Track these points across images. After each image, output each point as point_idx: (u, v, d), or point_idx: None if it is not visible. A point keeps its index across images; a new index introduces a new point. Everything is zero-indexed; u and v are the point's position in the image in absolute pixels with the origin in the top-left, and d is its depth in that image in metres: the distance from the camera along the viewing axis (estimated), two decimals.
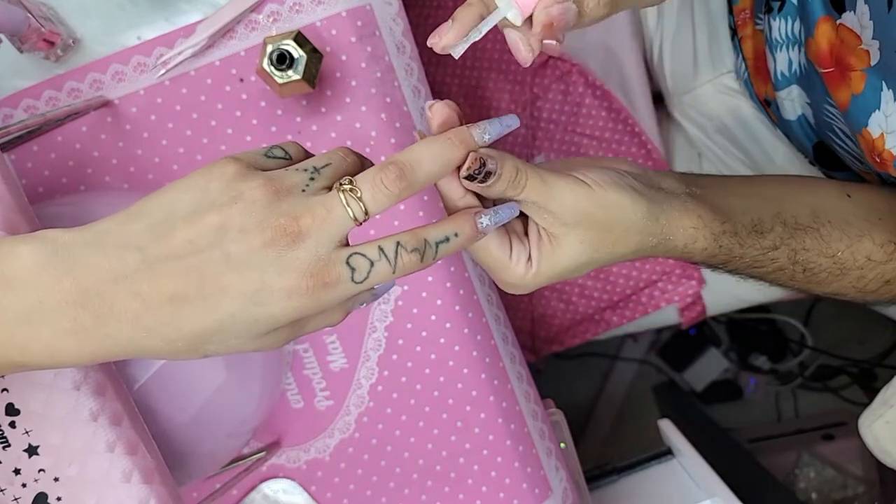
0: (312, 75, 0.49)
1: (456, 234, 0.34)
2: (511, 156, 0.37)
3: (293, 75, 0.48)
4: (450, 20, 0.37)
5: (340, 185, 0.32)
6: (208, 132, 0.56)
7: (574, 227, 0.38)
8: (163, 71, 0.53)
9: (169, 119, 0.55)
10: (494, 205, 0.37)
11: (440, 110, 0.36)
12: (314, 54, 0.49)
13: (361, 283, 0.32)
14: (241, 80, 0.55)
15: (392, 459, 0.61)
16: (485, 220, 0.35)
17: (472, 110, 0.91)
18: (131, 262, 0.30)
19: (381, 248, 0.32)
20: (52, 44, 0.53)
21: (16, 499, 0.38)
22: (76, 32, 0.55)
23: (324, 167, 0.33)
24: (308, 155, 0.36)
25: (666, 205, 0.40)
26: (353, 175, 0.34)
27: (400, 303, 0.58)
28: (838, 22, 0.49)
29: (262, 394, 0.53)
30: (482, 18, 0.37)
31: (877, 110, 0.48)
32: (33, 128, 0.51)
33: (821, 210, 0.46)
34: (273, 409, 0.60)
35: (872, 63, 0.47)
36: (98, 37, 0.55)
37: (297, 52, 0.48)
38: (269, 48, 0.48)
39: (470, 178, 0.35)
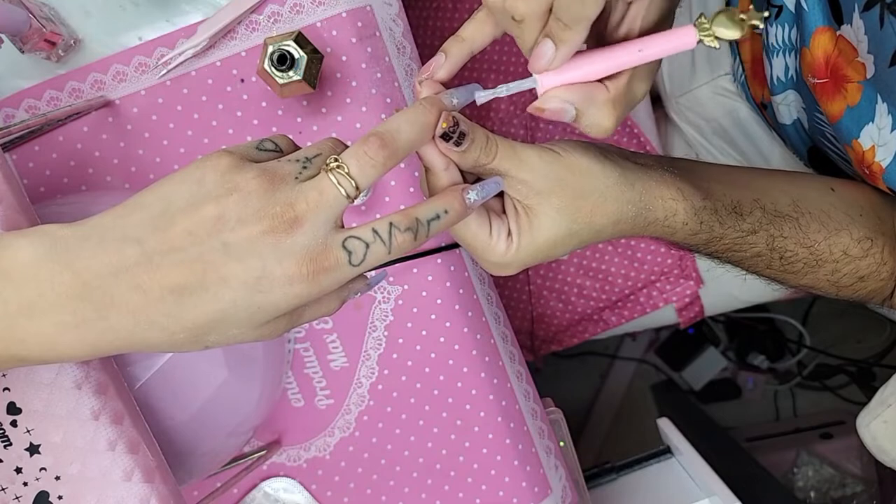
0: (313, 76, 0.49)
1: (446, 211, 0.35)
2: (480, 126, 0.38)
3: (294, 76, 0.49)
4: (440, 54, 0.39)
5: (327, 165, 0.33)
6: (209, 132, 0.56)
7: (548, 196, 0.39)
8: (164, 71, 0.54)
9: (170, 119, 0.56)
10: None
11: (429, 86, 0.39)
12: (315, 55, 0.49)
13: (359, 265, 0.32)
14: (242, 80, 0.55)
15: (392, 458, 0.61)
16: (472, 195, 0.36)
17: (472, 110, 0.92)
18: (131, 254, 0.30)
19: (375, 230, 0.33)
20: (53, 44, 0.53)
21: (17, 497, 0.38)
22: (77, 33, 0.55)
23: (315, 157, 0.34)
24: (297, 147, 0.37)
25: (641, 173, 0.41)
26: None
27: (400, 302, 0.59)
28: (838, 33, 0.50)
29: (262, 393, 0.53)
30: (471, 53, 0.39)
31: (870, 122, 0.48)
32: (35, 128, 0.51)
33: (801, 200, 0.46)
34: (274, 408, 0.60)
35: (868, 76, 0.47)
36: (99, 37, 0.55)
37: (297, 52, 0.48)
38: (270, 49, 0.48)
39: (446, 136, 0.36)
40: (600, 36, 0.38)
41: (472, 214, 0.38)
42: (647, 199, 0.40)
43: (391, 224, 0.33)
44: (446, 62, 0.39)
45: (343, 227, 0.33)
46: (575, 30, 0.34)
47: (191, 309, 0.31)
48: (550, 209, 0.39)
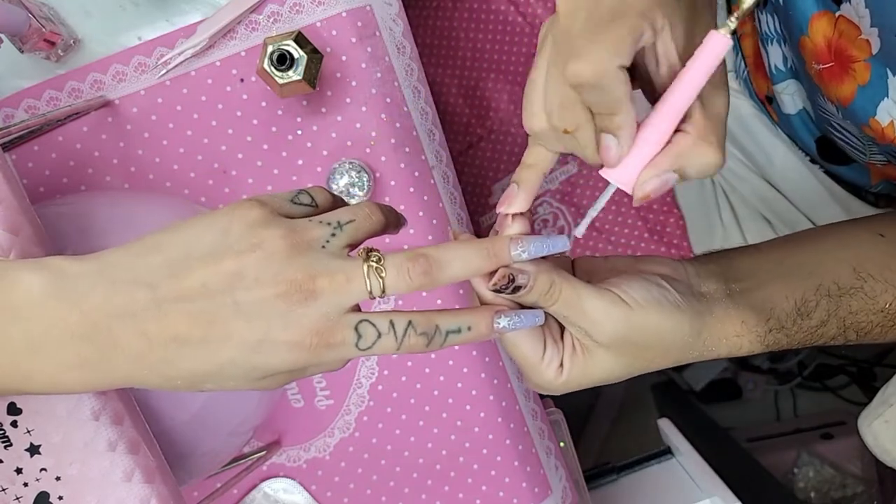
0: (313, 76, 0.49)
1: (469, 328, 0.34)
2: (549, 268, 0.36)
3: (294, 76, 0.48)
4: (513, 185, 0.38)
5: (368, 257, 0.32)
6: (209, 132, 0.56)
7: (608, 348, 0.37)
8: (163, 71, 0.54)
9: (170, 119, 0.56)
10: (522, 307, 0.37)
11: (520, 224, 0.37)
12: (314, 55, 0.49)
13: (364, 350, 0.32)
14: (242, 80, 0.55)
15: (392, 458, 0.61)
16: (503, 322, 0.35)
17: (472, 110, 0.91)
18: (141, 299, 0.30)
19: (392, 323, 0.32)
20: (52, 44, 0.53)
21: (17, 498, 0.38)
22: (77, 33, 0.55)
23: (348, 223, 0.33)
24: (335, 201, 0.36)
25: (708, 317, 0.39)
26: (376, 233, 0.34)
27: (400, 302, 0.59)
28: (838, 14, 0.49)
29: (262, 393, 0.53)
30: (543, 175, 0.38)
31: (885, 98, 0.48)
32: (34, 128, 0.51)
33: (860, 263, 0.44)
34: (273, 409, 0.60)
35: (874, 52, 0.47)
36: (99, 37, 0.55)
37: (297, 52, 0.48)
38: (270, 48, 0.48)
39: (497, 291, 0.35)
40: (648, 83, 0.37)
41: (526, 335, 0.37)
42: (711, 342, 0.39)
43: (410, 322, 0.32)
44: (521, 191, 0.38)
45: (360, 309, 0.33)
46: (620, 114, 0.33)
47: (189, 360, 0.30)
48: (609, 356, 0.37)
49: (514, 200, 0.38)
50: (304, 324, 0.31)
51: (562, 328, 0.39)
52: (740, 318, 0.40)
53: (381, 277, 0.32)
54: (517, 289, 0.35)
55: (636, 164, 0.35)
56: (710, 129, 0.35)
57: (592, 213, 0.37)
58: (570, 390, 0.39)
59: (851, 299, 0.43)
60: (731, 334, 0.40)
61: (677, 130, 0.35)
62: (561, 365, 0.38)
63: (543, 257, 0.36)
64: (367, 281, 0.32)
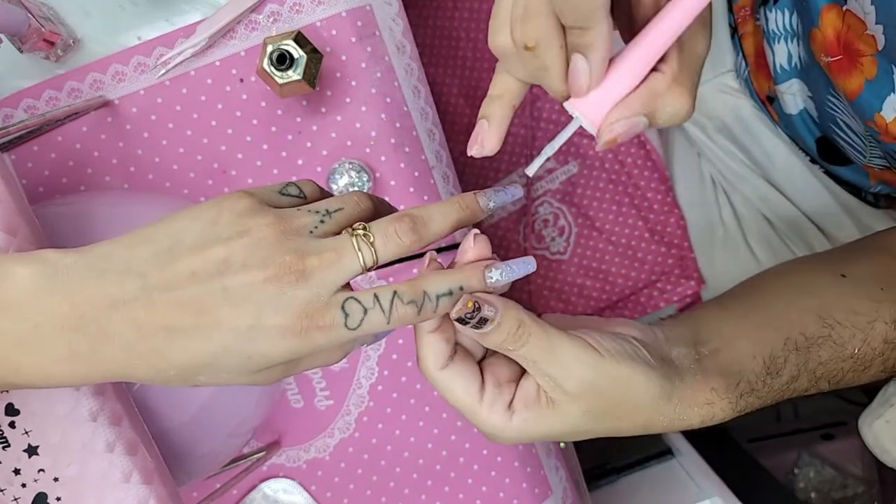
0: (312, 75, 0.49)
1: (461, 288, 0.33)
2: (517, 306, 0.34)
3: (293, 75, 0.48)
4: (482, 121, 0.35)
5: (353, 230, 0.32)
6: (208, 132, 0.56)
7: (575, 398, 0.35)
8: (163, 71, 0.53)
9: (169, 119, 0.55)
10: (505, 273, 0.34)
11: (481, 247, 0.35)
12: (314, 54, 0.49)
13: (354, 329, 0.31)
14: (242, 80, 0.55)
15: (392, 459, 0.61)
16: (495, 274, 0.33)
17: (472, 111, 0.91)
18: (131, 289, 0.30)
19: (376, 297, 0.31)
20: (52, 44, 0.53)
21: (15, 499, 0.38)
22: (76, 32, 0.55)
23: (336, 211, 0.33)
24: (323, 193, 0.36)
25: (678, 381, 0.38)
26: (365, 221, 0.34)
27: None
28: (845, 8, 0.50)
29: (261, 393, 0.53)
30: (513, 108, 0.35)
31: (891, 94, 0.48)
32: (33, 128, 0.51)
33: (825, 310, 0.43)
34: (273, 409, 0.60)
35: (880, 48, 0.47)
36: (98, 37, 0.55)
37: (297, 52, 0.48)
38: (270, 48, 0.48)
39: (461, 321, 0.33)
40: (626, 18, 0.34)
41: (456, 373, 0.35)
42: (682, 409, 0.38)
43: (395, 293, 0.31)
44: (491, 128, 0.36)
45: (350, 288, 0.32)
46: (595, 28, 0.30)
47: (180, 349, 0.30)
48: (575, 409, 0.36)
49: (486, 139, 0.36)
50: (295, 306, 0.30)
51: (521, 373, 0.37)
52: (710, 385, 0.39)
53: (371, 244, 0.31)
54: (482, 321, 0.33)
55: (606, 100, 0.32)
56: (686, 72, 0.32)
57: (549, 151, 0.34)
58: (525, 439, 0.37)
59: (820, 349, 0.42)
60: (703, 402, 0.38)
61: (653, 70, 0.32)
62: (510, 406, 0.36)
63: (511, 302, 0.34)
64: (359, 253, 0.31)
